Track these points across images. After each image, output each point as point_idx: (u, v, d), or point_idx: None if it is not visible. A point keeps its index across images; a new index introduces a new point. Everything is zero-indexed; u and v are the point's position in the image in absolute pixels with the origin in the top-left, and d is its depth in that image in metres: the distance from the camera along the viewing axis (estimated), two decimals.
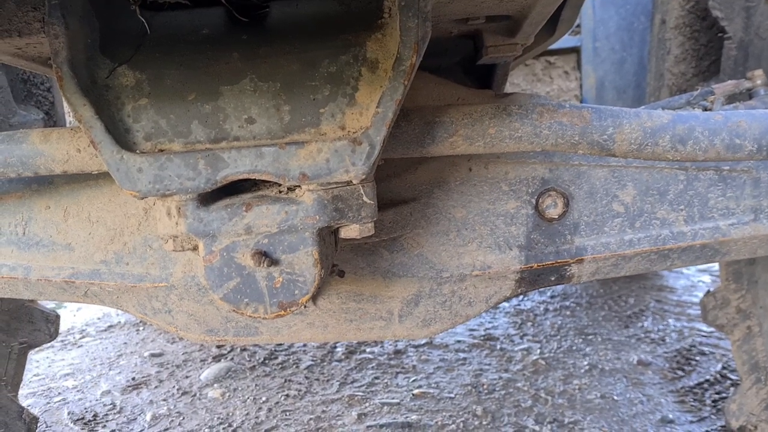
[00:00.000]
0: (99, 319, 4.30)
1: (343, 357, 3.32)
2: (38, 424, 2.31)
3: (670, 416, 2.58)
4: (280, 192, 1.01)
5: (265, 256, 0.98)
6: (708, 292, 2.18)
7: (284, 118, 0.98)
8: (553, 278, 1.35)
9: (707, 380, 2.86)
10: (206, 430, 2.66)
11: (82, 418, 2.84)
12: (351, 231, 1.03)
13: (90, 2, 0.99)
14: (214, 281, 1.02)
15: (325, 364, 3.26)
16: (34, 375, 3.33)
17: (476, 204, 1.30)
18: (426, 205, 1.28)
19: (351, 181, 0.97)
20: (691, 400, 2.71)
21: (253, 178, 0.97)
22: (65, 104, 3.17)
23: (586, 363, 3.09)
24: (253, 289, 1.02)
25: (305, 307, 1.22)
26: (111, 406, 2.94)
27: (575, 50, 3.06)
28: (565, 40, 2.94)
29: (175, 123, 0.99)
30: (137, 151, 0.98)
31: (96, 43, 1.00)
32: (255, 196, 1.00)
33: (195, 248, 1.05)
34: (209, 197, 1.00)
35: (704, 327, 3.45)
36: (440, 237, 1.30)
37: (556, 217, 1.30)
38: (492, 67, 1.65)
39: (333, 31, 0.99)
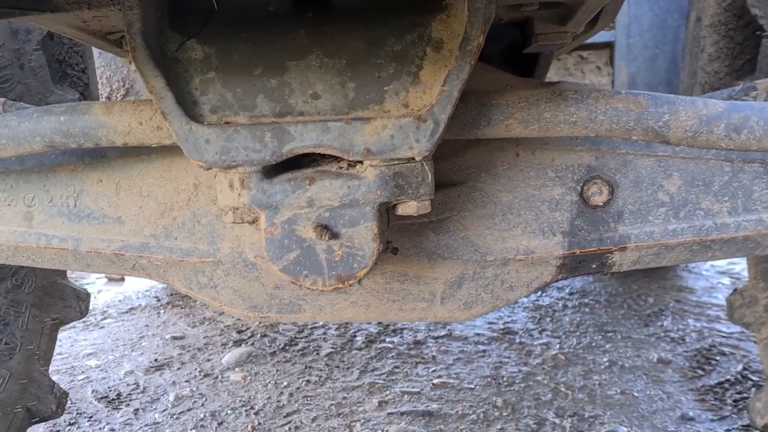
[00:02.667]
0: (120, 301, 4.34)
1: (363, 346, 3.35)
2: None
3: (691, 414, 2.59)
4: (341, 168, 1.03)
5: (326, 229, 1.00)
6: (735, 290, 2.19)
7: (349, 95, 1.00)
8: (594, 265, 1.36)
9: (728, 380, 2.87)
10: (228, 411, 2.69)
11: (106, 397, 2.88)
12: (409, 208, 1.04)
13: None
14: (275, 253, 1.04)
15: (345, 352, 3.29)
16: (58, 354, 3.37)
17: (522, 189, 1.31)
18: (473, 188, 1.30)
19: (413, 158, 0.99)
20: (712, 398, 2.72)
21: (318, 152, 0.99)
22: (100, 87, 3.21)
23: (605, 359, 3.11)
24: (313, 262, 1.04)
25: (367, 277, 1.24)
26: (134, 385, 2.98)
27: (608, 45, 3.06)
28: (598, 35, 2.95)
29: (242, 96, 1.01)
30: (204, 123, 1.00)
31: (165, 17, 1.02)
32: (318, 171, 1.02)
33: (254, 221, 1.07)
34: (272, 170, 1.02)
35: (724, 328, 3.45)
36: (486, 221, 1.31)
37: (601, 204, 1.31)
38: (535, 56, 1.67)
39: (398, 12, 1.01)
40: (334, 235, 1.02)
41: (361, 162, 1.02)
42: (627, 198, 1.31)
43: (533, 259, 1.33)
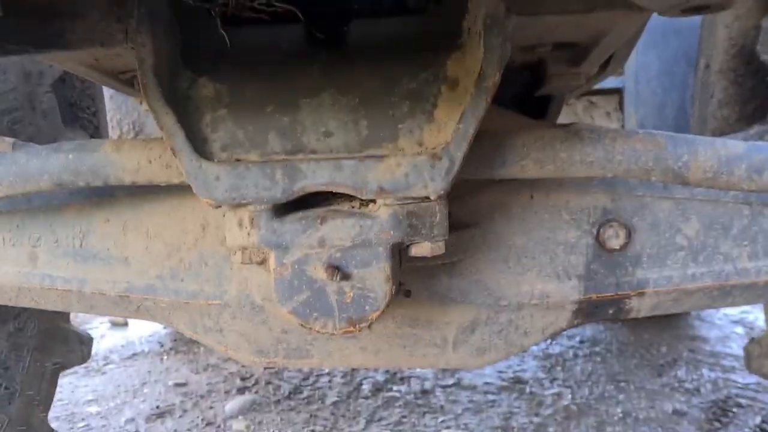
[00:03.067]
0: (123, 346, 4.27)
1: (369, 394, 3.27)
2: None
3: None
4: (353, 207, 1.01)
5: (337, 270, 0.98)
6: (752, 339, 2.13)
7: (362, 133, 0.98)
8: (611, 311, 1.32)
9: None
10: None
11: None
12: (422, 249, 1.02)
13: (174, 15, 1.01)
14: (284, 294, 1.01)
15: (351, 400, 3.21)
16: (58, 400, 3.30)
17: (537, 232, 1.28)
18: (486, 230, 1.27)
19: (428, 197, 0.97)
20: None
21: (330, 190, 0.97)
22: (111, 130, 3.22)
23: (619, 410, 3.02)
24: (323, 303, 1.01)
25: (377, 322, 1.21)
26: None
27: (617, 91, 3.08)
28: (607, 81, 2.96)
29: (253, 134, 1.00)
30: (215, 161, 0.99)
31: (178, 55, 1.02)
32: (329, 210, 1.00)
33: (263, 261, 1.04)
34: (283, 209, 1.00)
35: (740, 378, 3.36)
36: (500, 264, 1.28)
37: (618, 248, 1.28)
38: (546, 101, 1.66)
39: (412, 50, 1.00)
40: (346, 276, 0.99)
41: (374, 201, 0.99)
42: (645, 241, 1.28)
43: (548, 304, 1.29)
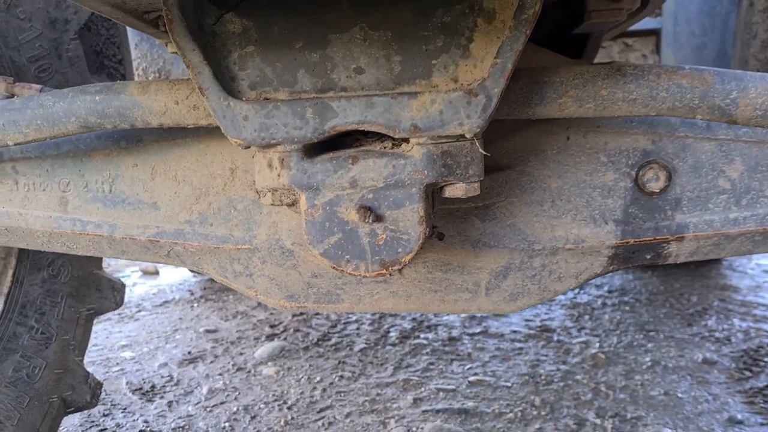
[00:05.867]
0: (154, 294, 4.36)
1: (397, 341, 3.29)
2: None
3: (739, 417, 2.48)
4: (385, 147, 0.98)
5: (370, 212, 0.95)
6: None
7: (394, 69, 0.95)
8: (648, 256, 1.28)
9: None
10: (261, 405, 2.67)
11: (140, 389, 2.87)
12: (456, 190, 0.99)
13: None
14: (315, 236, 0.99)
15: (378, 347, 3.24)
16: (93, 345, 3.39)
17: (573, 174, 1.24)
18: (521, 173, 1.24)
19: (463, 135, 0.93)
20: (761, 401, 2.61)
21: (362, 129, 0.94)
22: (136, 78, 3.20)
23: (648, 359, 3.00)
24: (355, 246, 0.99)
25: (409, 266, 1.19)
26: (168, 378, 2.97)
27: (654, 33, 2.96)
28: (644, 22, 2.84)
29: (281, 72, 0.97)
30: (243, 99, 0.96)
31: None
32: (361, 150, 0.97)
33: (293, 203, 1.03)
34: (313, 149, 0.98)
35: None
36: (534, 207, 1.25)
37: (657, 191, 1.24)
38: (583, 40, 1.60)
39: None
40: (378, 218, 0.97)
41: (407, 140, 0.96)
42: (685, 184, 1.23)
43: (583, 249, 1.26)
